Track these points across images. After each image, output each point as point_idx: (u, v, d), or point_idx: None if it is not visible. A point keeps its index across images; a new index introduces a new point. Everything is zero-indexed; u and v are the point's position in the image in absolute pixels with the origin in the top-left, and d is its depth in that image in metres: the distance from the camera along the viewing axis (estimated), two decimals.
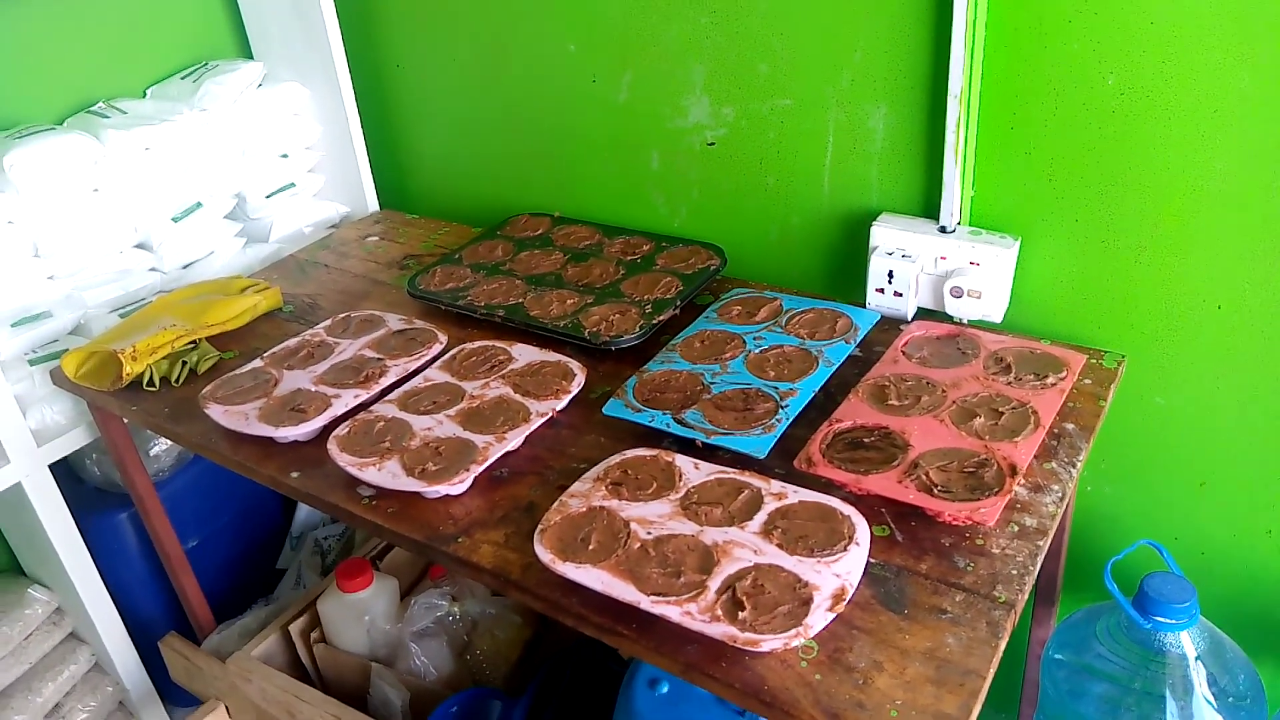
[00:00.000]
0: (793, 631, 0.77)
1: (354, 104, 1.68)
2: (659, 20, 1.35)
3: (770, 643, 0.77)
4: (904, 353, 1.12)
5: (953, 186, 1.17)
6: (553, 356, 1.19)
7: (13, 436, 1.32)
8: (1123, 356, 1.12)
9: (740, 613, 0.79)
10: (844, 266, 1.34)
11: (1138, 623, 1.10)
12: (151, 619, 1.60)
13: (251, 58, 1.76)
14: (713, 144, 1.38)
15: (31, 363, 1.38)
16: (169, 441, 1.54)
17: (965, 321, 1.19)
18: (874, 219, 1.25)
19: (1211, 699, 1.09)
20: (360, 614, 1.39)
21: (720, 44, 1.31)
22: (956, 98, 1.11)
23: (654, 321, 1.24)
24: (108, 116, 1.54)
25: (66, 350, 1.38)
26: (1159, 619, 1.09)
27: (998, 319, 1.18)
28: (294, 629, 1.45)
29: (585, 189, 1.56)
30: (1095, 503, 1.26)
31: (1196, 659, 1.09)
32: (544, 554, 0.88)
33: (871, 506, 0.93)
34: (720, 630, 0.78)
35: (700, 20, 1.31)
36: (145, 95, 1.66)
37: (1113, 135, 1.07)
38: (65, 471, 1.53)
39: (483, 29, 1.55)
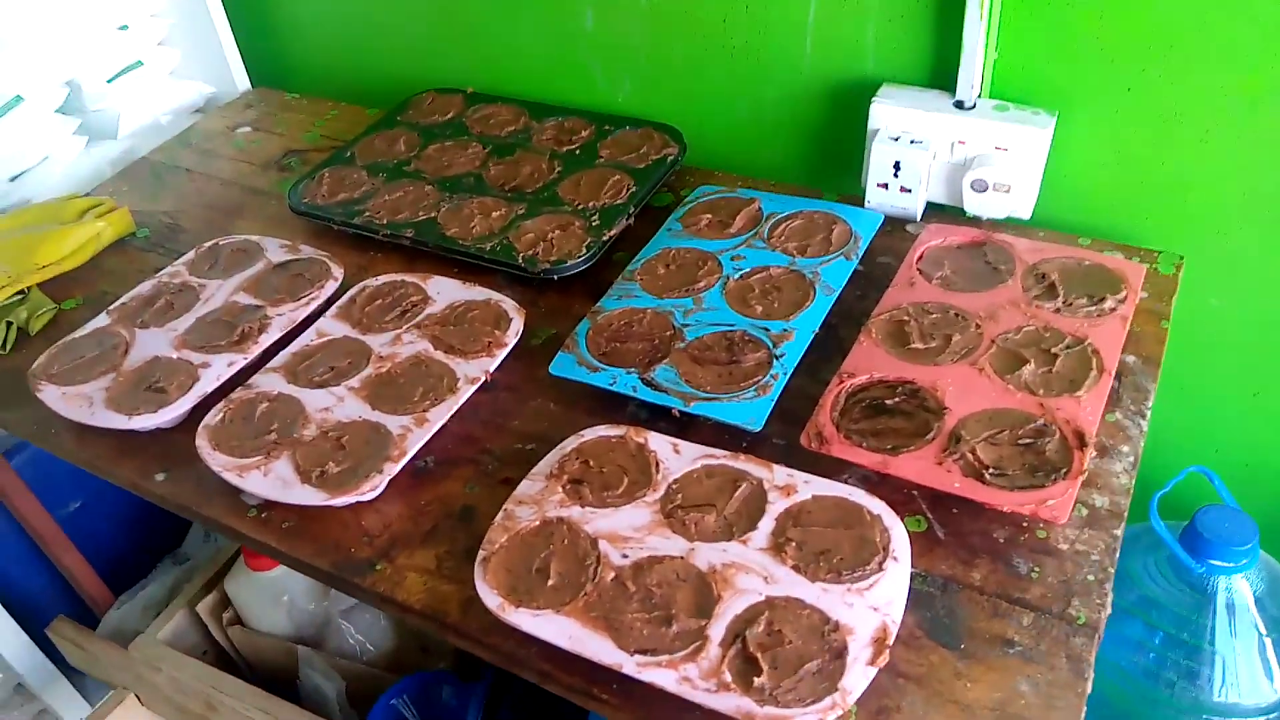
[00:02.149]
0: (827, 701, 0.58)
1: None
2: None
3: (800, 718, 0.58)
4: (920, 271, 0.89)
5: (975, 51, 0.91)
6: (480, 293, 0.95)
7: None
8: (1181, 258, 0.91)
9: (756, 677, 0.60)
10: (832, 149, 1.10)
11: (1189, 566, 0.95)
12: (39, 596, 1.38)
13: None
14: None
15: None
16: None
17: (987, 220, 0.97)
18: (870, 91, 1.00)
19: (1271, 647, 0.95)
20: (277, 594, 1.18)
21: None
22: None
23: (604, 238, 0.99)
24: None
25: None
26: (1214, 562, 0.94)
27: (1026, 215, 0.96)
28: (202, 610, 1.24)
29: (504, 57, 1.26)
30: None
31: (1256, 602, 0.95)
32: (490, 597, 0.67)
33: (899, 487, 0.74)
34: (732, 704, 0.59)
35: None
36: None
37: None
38: None
39: None
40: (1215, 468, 1.01)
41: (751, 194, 1.03)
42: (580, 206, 1.04)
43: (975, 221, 0.97)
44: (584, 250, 0.97)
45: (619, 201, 1.04)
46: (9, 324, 1.00)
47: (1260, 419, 1.03)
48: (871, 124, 0.98)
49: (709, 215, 1.00)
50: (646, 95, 1.18)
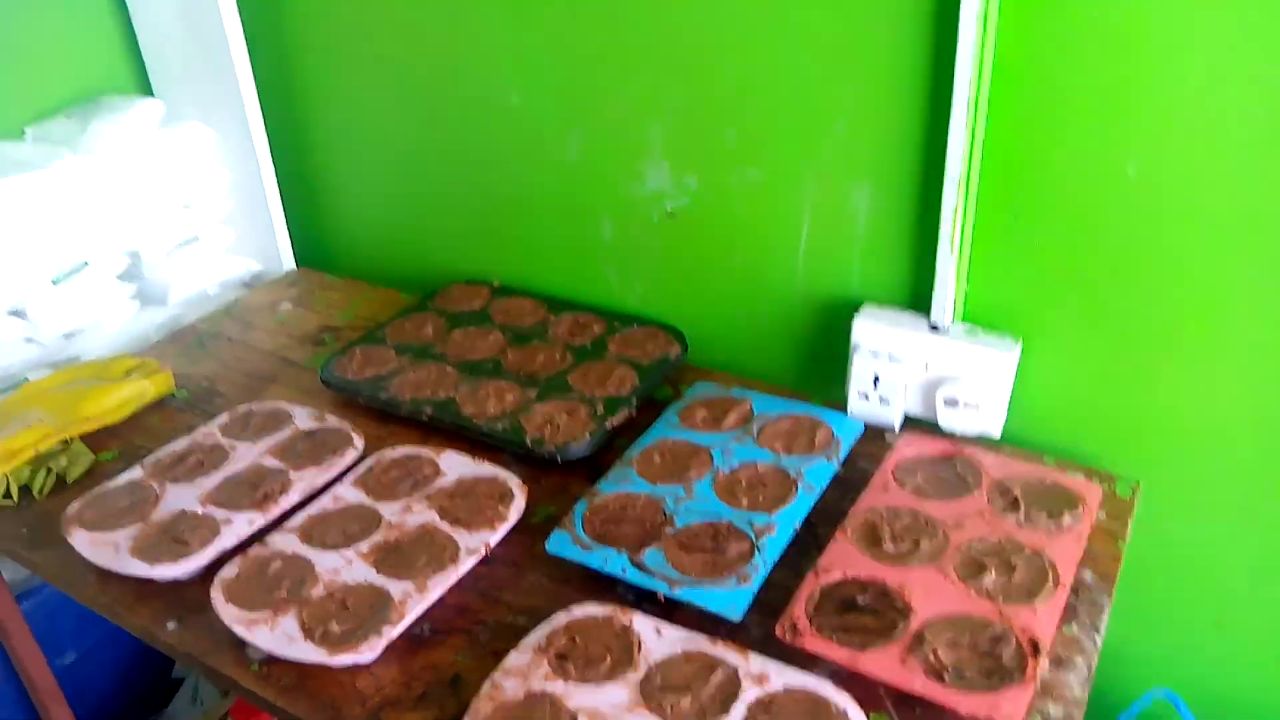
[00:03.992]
0: None
1: (267, 148, 1.50)
2: (614, 74, 1.19)
3: None
4: (895, 478, 0.97)
5: (946, 281, 1.03)
6: (487, 470, 1.02)
7: None
8: (1136, 483, 0.99)
9: None
10: (820, 358, 1.20)
11: None
12: None
13: (150, 93, 1.56)
14: (673, 214, 1.22)
15: None
16: None
17: (959, 435, 1.05)
18: (855, 308, 1.11)
19: None
20: None
21: (683, 104, 1.15)
22: (955, 182, 0.97)
23: (606, 426, 1.07)
24: None
25: None
26: None
27: (996, 433, 1.04)
28: None
29: (529, 255, 1.39)
30: None
31: None
32: None
33: (866, 683, 0.78)
34: None
35: (660, 77, 1.15)
36: (23, 136, 1.44)
37: (1131, 231, 0.94)
38: None
39: (415, 70, 1.37)
40: (1181, 690, 1.04)
41: (744, 394, 1.12)
42: (588, 395, 1.13)
43: (949, 436, 1.06)
44: (587, 435, 1.05)
45: (623, 393, 1.13)
46: (49, 470, 1.07)
47: (1225, 648, 1.07)
48: (854, 339, 1.08)
49: (704, 411, 1.09)
50: (655, 297, 1.29)
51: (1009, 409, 1.05)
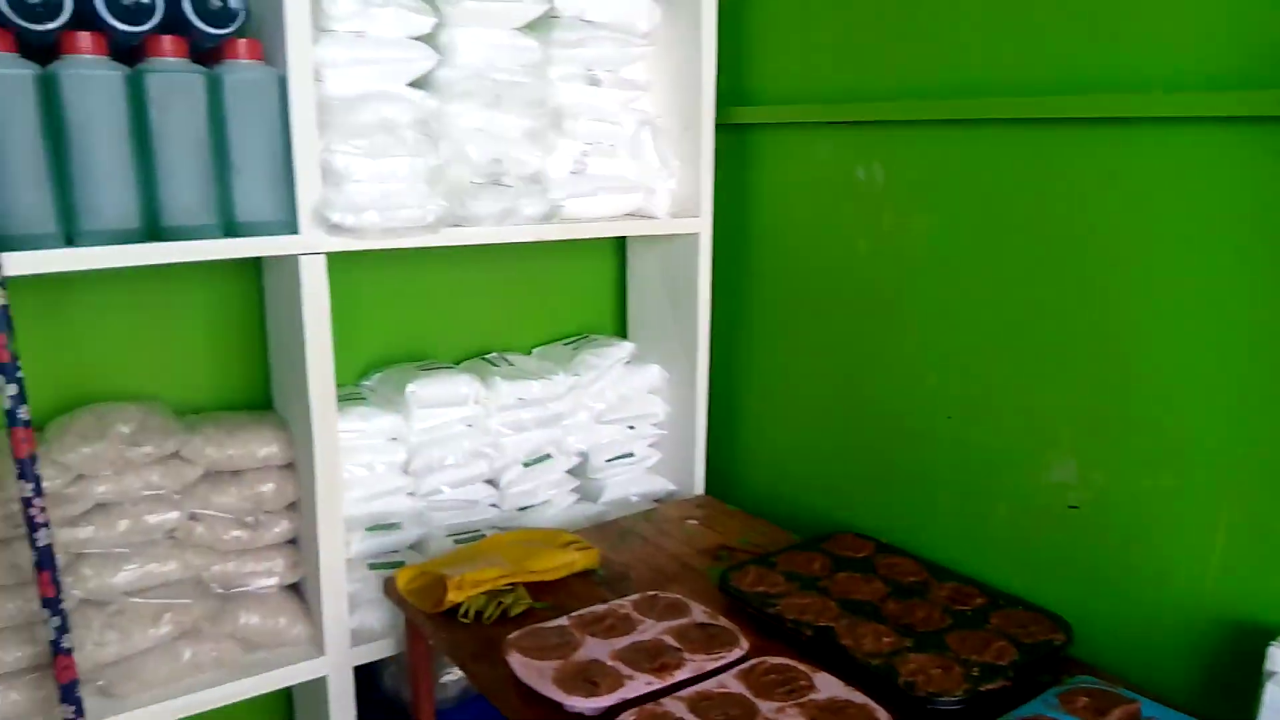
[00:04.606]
0: None
1: (706, 395, 1.77)
2: (1029, 368, 1.31)
3: None
4: None
5: None
6: (859, 698, 1.09)
7: (335, 632, 1.42)
8: None
9: None
10: (1220, 678, 1.14)
11: None
12: None
13: (626, 337, 1.94)
14: (1075, 508, 1.27)
15: (371, 567, 1.51)
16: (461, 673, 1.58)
17: None
18: (1270, 634, 1.06)
19: None
20: None
21: (1097, 408, 1.23)
22: None
23: (981, 689, 1.10)
24: (497, 366, 1.74)
25: (403, 562, 1.49)
26: None
27: None
28: None
29: (917, 521, 1.49)
30: None
31: None
32: None
33: None
34: None
35: (1076, 383, 1.25)
36: (531, 353, 1.87)
37: None
38: (362, 675, 1.60)
39: (843, 347, 1.60)
40: None
41: (1133, 696, 1.09)
42: (964, 657, 1.16)
43: None
44: (961, 692, 1.09)
45: (1001, 663, 1.15)
46: (499, 603, 1.31)
47: None
48: (1269, 666, 1.03)
49: (1087, 699, 1.08)
50: (1041, 584, 1.32)
51: None
